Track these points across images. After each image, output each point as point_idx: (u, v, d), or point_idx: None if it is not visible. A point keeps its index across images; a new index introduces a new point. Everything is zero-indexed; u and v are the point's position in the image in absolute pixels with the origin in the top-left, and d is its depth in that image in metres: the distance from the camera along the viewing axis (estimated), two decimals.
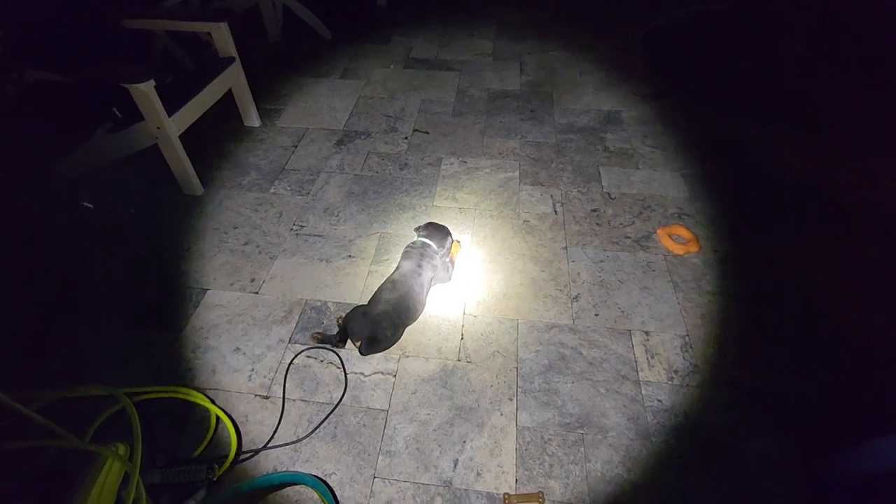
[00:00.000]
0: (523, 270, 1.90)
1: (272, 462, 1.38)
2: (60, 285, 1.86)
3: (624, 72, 3.17)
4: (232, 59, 2.41)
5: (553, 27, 3.77)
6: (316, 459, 1.39)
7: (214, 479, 1.30)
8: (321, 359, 1.62)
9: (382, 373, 1.58)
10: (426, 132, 2.66)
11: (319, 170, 2.41)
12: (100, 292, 1.85)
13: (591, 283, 1.85)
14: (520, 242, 2.01)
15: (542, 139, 2.60)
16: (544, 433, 1.43)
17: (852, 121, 2.71)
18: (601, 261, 1.93)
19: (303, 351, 1.64)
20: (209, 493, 1.28)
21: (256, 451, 1.40)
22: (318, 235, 2.05)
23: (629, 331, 1.69)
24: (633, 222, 2.09)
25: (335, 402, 1.51)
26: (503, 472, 1.36)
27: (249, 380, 1.57)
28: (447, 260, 1.83)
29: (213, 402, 1.49)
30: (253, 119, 2.69)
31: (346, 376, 1.57)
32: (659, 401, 1.50)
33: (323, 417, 1.47)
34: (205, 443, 1.40)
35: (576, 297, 1.80)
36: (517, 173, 2.37)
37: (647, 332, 1.69)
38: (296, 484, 1.32)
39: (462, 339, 1.68)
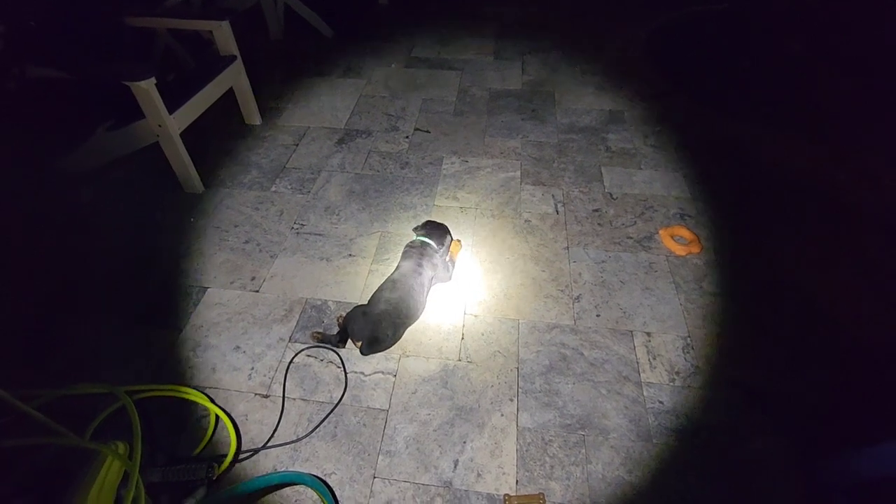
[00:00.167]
0: (524, 270, 1.90)
1: (272, 461, 1.38)
2: (60, 284, 1.85)
3: (626, 72, 3.17)
4: (233, 58, 2.40)
5: (555, 27, 3.76)
6: (316, 459, 1.38)
7: (214, 477, 1.29)
8: (321, 358, 1.62)
9: (383, 372, 1.58)
10: (427, 131, 2.66)
11: (320, 168, 2.40)
12: (100, 291, 1.85)
13: (593, 283, 1.85)
14: (521, 242, 2.01)
15: (544, 139, 2.59)
16: (545, 434, 1.43)
17: (852, 121, 2.71)
18: (603, 261, 1.93)
19: (303, 350, 1.64)
20: (209, 492, 1.28)
21: (256, 451, 1.39)
22: (319, 234, 2.05)
23: (631, 332, 1.69)
24: (635, 223, 2.09)
25: (335, 402, 1.50)
26: (504, 473, 1.35)
27: (249, 378, 1.57)
28: (447, 259, 1.83)
29: (212, 400, 1.49)
30: (254, 117, 2.69)
31: (346, 375, 1.57)
32: (660, 402, 1.50)
33: (323, 417, 1.47)
34: (204, 442, 1.40)
35: (577, 298, 1.79)
36: (518, 173, 2.36)
37: (648, 333, 1.68)
38: (295, 484, 1.32)
39: (463, 338, 1.67)
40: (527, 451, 1.40)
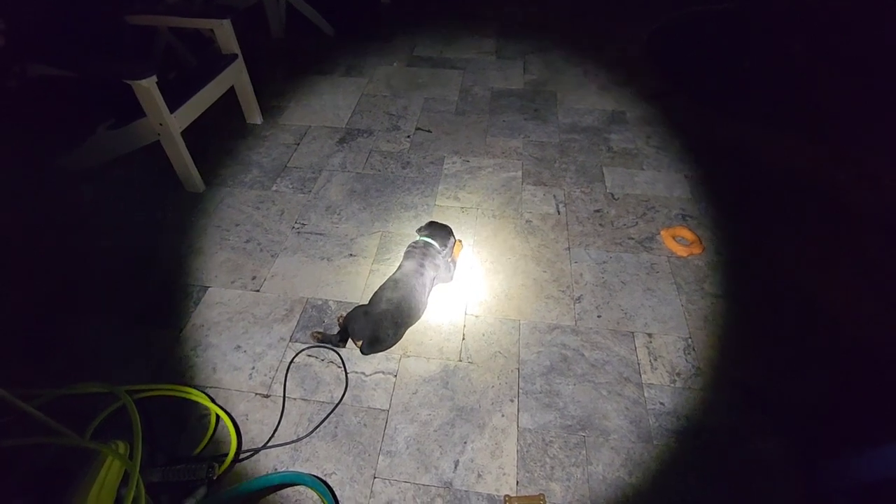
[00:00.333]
0: (525, 271, 1.89)
1: (272, 461, 1.38)
2: (60, 283, 1.85)
3: (628, 72, 3.16)
4: (235, 56, 2.40)
5: (557, 26, 3.75)
6: (316, 459, 1.38)
7: (214, 477, 1.29)
8: (322, 358, 1.62)
9: (383, 372, 1.58)
10: (429, 131, 2.66)
11: (321, 168, 2.40)
12: (100, 290, 1.85)
13: (594, 284, 1.84)
14: (522, 243, 2.00)
15: (546, 139, 2.59)
16: (546, 435, 1.43)
17: (852, 121, 2.70)
18: (604, 262, 1.92)
19: (303, 350, 1.64)
20: (209, 492, 1.28)
21: (256, 451, 1.39)
22: (320, 234, 2.05)
23: (632, 333, 1.68)
24: (637, 223, 2.08)
25: (336, 402, 1.50)
26: (504, 474, 1.35)
27: (250, 378, 1.56)
28: (449, 260, 1.83)
29: (213, 400, 1.49)
30: (255, 116, 2.69)
31: (346, 375, 1.57)
32: (661, 403, 1.50)
33: (323, 417, 1.47)
34: (205, 441, 1.40)
35: (578, 299, 1.79)
36: (520, 173, 2.36)
37: (649, 335, 1.68)
38: (296, 484, 1.31)
39: (463, 339, 1.67)
40: (527, 451, 1.39)
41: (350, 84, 3.06)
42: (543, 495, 1.30)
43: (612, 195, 2.23)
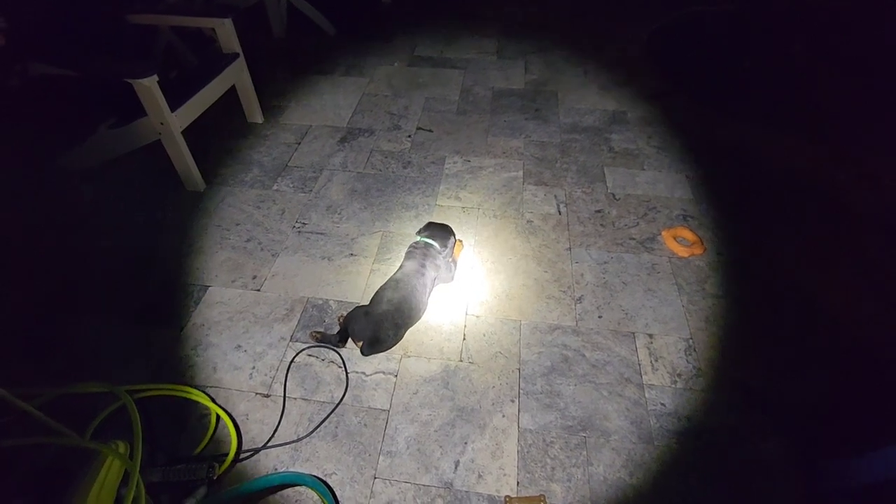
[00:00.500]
0: (526, 271, 1.89)
1: (272, 461, 1.38)
2: (61, 283, 1.85)
3: (629, 72, 3.16)
4: (236, 56, 2.40)
5: (558, 26, 3.75)
6: (316, 459, 1.38)
7: (214, 477, 1.29)
8: (322, 357, 1.62)
9: (384, 372, 1.58)
10: (430, 130, 2.65)
11: (322, 167, 2.40)
12: (100, 289, 1.84)
13: (595, 284, 1.84)
14: (523, 243, 2.00)
15: (547, 139, 2.59)
16: (546, 436, 1.43)
17: (852, 121, 2.70)
18: (605, 262, 1.92)
19: (304, 349, 1.63)
20: (209, 491, 1.28)
21: (257, 450, 1.39)
22: (321, 233, 2.05)
23: (633, 333, 1.68)
24: (638, 224, 2.08)
25: (336, 402, 1.50)
26: (504, 475, 1.35)
27: (250, 378, 1.56)
28: (450, 260, 1.82)
29: (213, 400, 1.49)
30: (256, 115, 2.69)
31: (347, 375, 1.57)
32: (662, 404, 1.49)
33: (324, 417, 1.47)
34: (205, 441, 1.40)
35: (579, 299, 1.79)
36: (521, 173, 2.36)
37: (650, 335, 1.67)
38: (296, 485, 1.31)
39: (464, 339, 1.67)
40: (528, 452, 1.39)
41: (351, 83, 3.06)
42: (544, 496, 1.30)
43: (614, 195, 2.22)
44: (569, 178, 2.33)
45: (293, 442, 1.41)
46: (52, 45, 2.02)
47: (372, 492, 1.32)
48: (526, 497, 1.30)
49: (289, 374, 1.57)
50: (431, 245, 1.75)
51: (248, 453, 1.39)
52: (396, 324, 1.58)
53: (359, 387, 1.54)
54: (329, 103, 2.87)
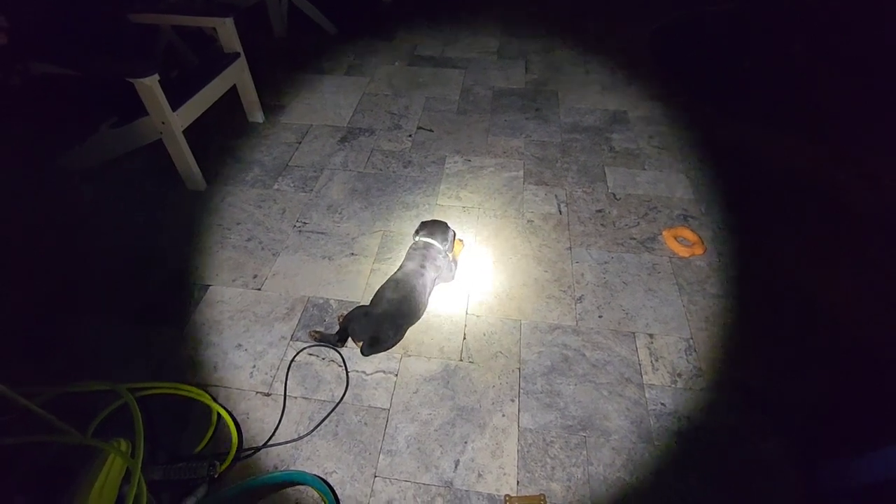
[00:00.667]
0: (527, 271, 1.89)
1: (273, 459, 1.38)
2: (62, 282, 1.86)
3: (630, 71, 3.16)
4: (237, 55, 2.40)
5: (559, 26, 3.75)
6: (317, 457, 1.38)
7: (215, 476, 1.30)
8: (323, 356, 1.62)
9: (384, 371, 1.58)
10: (430, 130, 2.65)
11: (323, 167, 2.40)
12: (101, 288, 1.85)
13: (596, 284, 1.84)
14: (523, 242, 2.00)
15: (547, 138, 2.59)
16: (546, 435, 1.43)
17: (852, 121, 2.70)
18: (605, 262, 1.92)
19: (305, 348, 1.64)
20: (210, 490, 1.28)
21: (257, 449, 1.39)
22: (321, 232, 2.05)
23: (633, 333, 1.68)
24: (639, 223, 2.08)
25: (336, 401, 1.50)
26: (504, 474, 1.35)
27: (251, 377, 1.57)
28: (450, 259, 1.83)
29: (214, 398, 1.49)
30: (257, 115, 2.69)
31: (347, 374, 1.57)
32: (662, 404, 1.50)
33: (324, 415, 1.47)
34: (206, 440, 1.40)
35: (579, 299, 1.79)
36: (521, 172, 2.36)
37: (651, 335, 1.68)
38: (297, 483, 1.32)
39: (464, 339, 1.67)
40: (528, 451, 1.39)
41: (352, 83, 3.06)
42: (544, 495, 1.30)
43: (614, 195, 2.23)
44: (569, 177, 2.33)
45: (294, 440, 1.42)
46: (54, 44, 2.02)
47: (372, 490, 1.32)
48: (526, 496, 1.30)
49: (289, 373, 1.57)
50: (432, 244, 1.75)
51: (249, 452, 1.39)
52: (396, 324, 1.58)
53: (359, 386, 1.55)
54: (330, 103, 2.88)
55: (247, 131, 2.64)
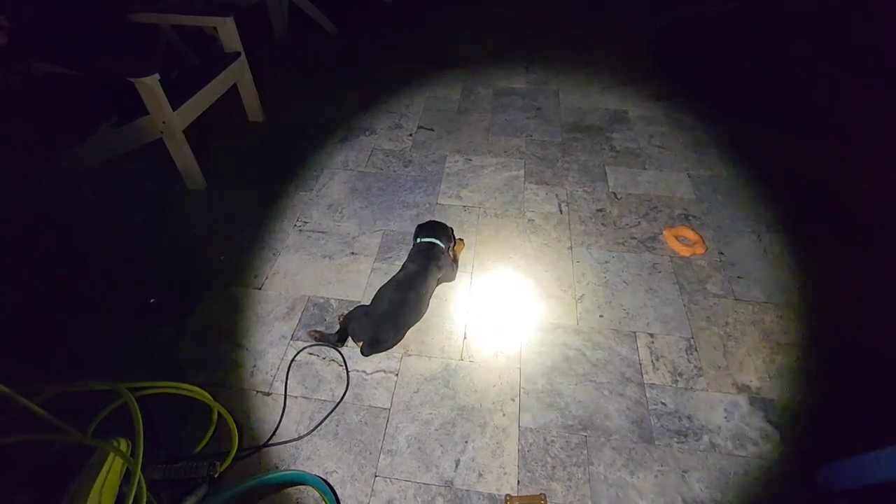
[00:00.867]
0: (527, 270, 1.89)
1: (273, 459, 1.38)
2: (62, 282, 1.85)
3: (631, 71, 3.15)
4: (237, 54, 2.40)
5: (559, 25, 3.74)
6: (317, 457, 1.38)
7: (215, 475, 1.30)
8: (323, 356, 1.62)
9: (385, 371, 1.58)
10: (431, 129, 2.65)
11: (323, 166, 2.40)
12: (102, 288, 1.85)
13: (596, 283, 1.84)
14: (524, 242, 2.00)
15: (548, 138, 2.58)
16: (547, 435, 1.43)
17: (852, 121, 2.70)
18: (606, 261, 1.92)
19: (305, 348, 1.64)
20: (210, 489, 1.28)
21: (258, 448, 1.39)
22: (322, 232, 2.05)
23: (634, 332, 1.68)
24: (639, 223, 2.08)
25: (337, 400, 1.50)
26: (505, 474, 1.35)
27: (251, 376, 1.57)
28: (451, 258, 1.83)
29: (214, 398, 1.49)
30: (257, 114, 2.69)
31: (348, 374, 1.57)
32: (663, 403, 1.49)
33: (325, 415, 1.47)
34: (206, 439, 1.40)
35: (580, 298, 1.79)
36: (522, 172, 2.35)
37: (651, 335, 1.67)
38: (297, 483, 1.32)
39: (465, 338, 1.67)
40: (528, 451, 1.39)
41: (352, 82, 3.06)
42: (544, 495, 1.30)
43: (615, 195, 2.22)
44: (570, 177, 2.32)
45: (294, 440, 1.41)
46: (54, 44, 2.02)
47: (372, 490, 1.32)
48: (526, 496, 1.30)
49: (290, 373, 1.57)
50: (435, 244, 1.75)
51: (249, 451, 1.39)
52: (397, 325, 1.58)
53: (360, 385, 1.54)
54: (330, 102, 2.87)
55: (247, 131, 2.64)
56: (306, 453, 1.39)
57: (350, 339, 1.62)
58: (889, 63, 3.03)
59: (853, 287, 1.82)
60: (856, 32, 3.33)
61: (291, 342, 1.66)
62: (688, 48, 3.51)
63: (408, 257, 1.78)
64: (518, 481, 1.33)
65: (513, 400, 1.50)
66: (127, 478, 1.11)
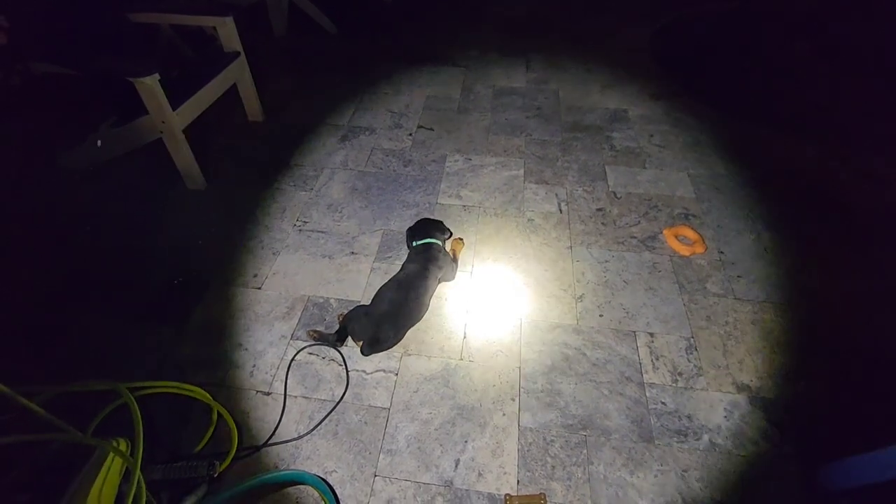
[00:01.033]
0: (527, 269, 1.89)
1: (273, 459, 1.38)
2: (62, 282, 1.86)
3: (631, 70, 3.15)
4: (237, 54, 2.40)
5: (560, 25, 3.74)
6: (317, 457, 1.38)
7: (215, 475, 1.29)
8: (323, 356, 1.62)
9: (384, 371, 1.58)
10: (431, 129, 2.65)
11: (323, 165, 2.40)
12: (101, 288, 1.85)
13: (596, 283, 1.84)
14: (524, 241, 2.00)
15: (548, 137, 2.58)
16: (547, 434, 1.43)
17: (853, 121, 2.70)
18: (606, 261, 1.92)
19: (305, 347, 1.64)
20: (210, 489, 1.28)
21: (257, 448, 1.39)
22: (322, 231, 2.05)
23: (634, 332, 1.68)
24: (639, 222, 2.08)
25: (337, 400, 1.50)
26: (505, 473, 1.35)
27: (251, 376, 1.57)
28: (450, 254, 1.83)
29: (214, 398, 1.49)
30: (257, 114, 2.69)
31: (347, 374, 1.57)
32: (663, 403, 1.49)
33: (324, 415, 1.47)
34: (205, 439, 1.40)
35: (580, 298, 1.79)
36: (522, 171, 2.35)
37: (651, 334, 1.67)
38: (297, 483, 1.32)
39: (465, 337, 1.67)
40: (528, 450, 1.39)
41: (352, 82, 3.06)
42: (544, 494, 1.30)
43: (615, 194, 2.22)
44: (570, 176, 2.32)
45: (294, 440, 1.41)
46: (54, 43, 2.02)
47: (372, 490, 1.32)
48: (526, 495, 1.30)
49: (289, 372, 1.57)
50: (434, 243, 1.75)
51: (249, 451, 1.39)
52: (397, 324, 1.58)
53: (359, 385, 1.54)
54: (330, 101, 2.87)
55: (247, 130, 2.64)
56: (306, 453, 1.39)
57: (350, 338, 1.62)
58: (889, 63, 3.03)
59: (853, 287, 1.82)
60: (856, 32, 3.33)
61: (291, 342, 1.66)
62: (688, 48, 3.51)
63: (408, 258, 1.78)
64: (518, 481, 1.33)
65: (512, 399, 1.50)
66: (127, 477, 1.11)
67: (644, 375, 1.56)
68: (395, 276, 1.70)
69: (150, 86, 1.84)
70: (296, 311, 1.75)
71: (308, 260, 1.93)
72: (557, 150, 2.49)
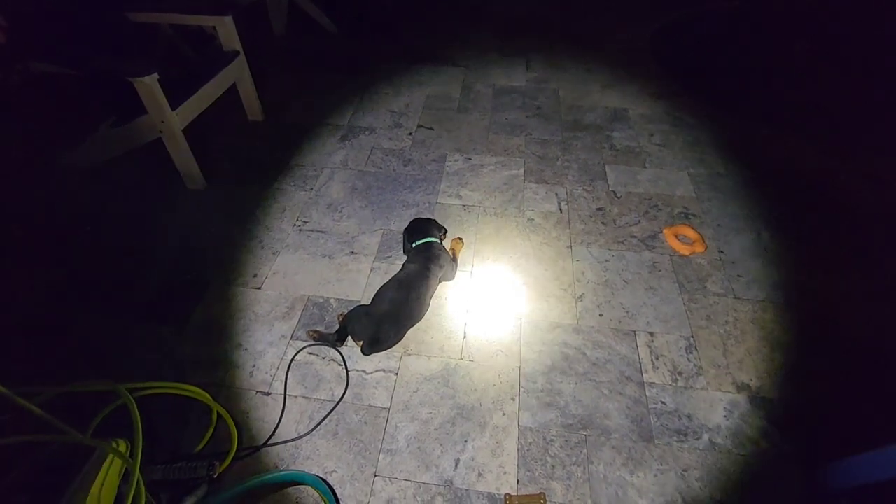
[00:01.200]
0: (527, 269, 1.89)
1: (273, 459, 1.38)
2: (62, 282, 1.85)
3: (631, 70, 3.15)
4: (236, 53, 2.40)
5: (560, 24, 3.74)
6: (317, 457, 1.38)
7: (215, 475, 1.29)
8: (323, 356, 1.62)
9: (384, 370, 1.58)
10: (431, 128, 2.65)
11: (323, 165, 2.39)
12: (101, 288, 1.85)
13: (596, 282, 1.84)
14: (524, 241, 2.00)
15: (548, 136, 2.58)
16: (546, 434, 1.43)
17: (852, 121, 2.69)
18: (606, 260, 1.92)
19: (304, 347, 1.63)
20: (209, 490, 1.28)
21: (257, 448, 1.39)
22: (321, 231, 2.05)
23: (634, 331, 1.68)
24: (639, 221, 2.08)
25: (336, 400, 1.50)
26: (504, 473, 1.35)
27: (251, 376, 1.57)
28: (450, 253, 1.83)
29: (214, 398, 1.49)
30: (257, 113, 2.68)
31: (347, 374, 1.57)
32: (663, 403, 1.49)
33: (324, 415, 1.47)
34: (205, 439, 1.40)
35: (580, 297, 1.79)
36: (522, 171, 2.35)
37: (651, 334, 1.67)
38: (297, 483, 1.31)
39: (464, 337, 1.67)
40: (528, 450, 1.39)
41: (352, 81, 3.06)
42: (544, 494, 1.30)
43: (615, 193, 2.22)
44: (570, 175, 2.32)
45: (294, 440, 1.41)
46: (53, 43, 2.01)
47: (372, 490, 1.32)
48: (526, 495, 1.30)
49: (289, 372, 1.57)
50: (433, 242, 1.75)
51: (249, 451, 1.39)
52: (397, 324, 1.58)
53: (359, 385, 1.54)
54: (330, 101, 2.87)
55: (246, 130, 2.64)
56: (306, 453, 1.39)
57: (350, 338, 1.62)
58: (889, 63, 3.03)
59: (853, 287, 1.82)
60: (856, 32, 3.33)
61: (291, 342, 1.66)
62: (688, 48, 3.50)
63: (408, 258, 1.78)
64: (518, 480, 1.33)
65: (512, 399, 1.50)
66: (126, 478, 1.11)
67: (644, 375, 1.56)
68: (395, 276, 1.70)
69: (149, 85, 1.84)
70: (296, 311, 1.75)
71: (308, 260, 1.93)
72: (557, 150, 2.48)
